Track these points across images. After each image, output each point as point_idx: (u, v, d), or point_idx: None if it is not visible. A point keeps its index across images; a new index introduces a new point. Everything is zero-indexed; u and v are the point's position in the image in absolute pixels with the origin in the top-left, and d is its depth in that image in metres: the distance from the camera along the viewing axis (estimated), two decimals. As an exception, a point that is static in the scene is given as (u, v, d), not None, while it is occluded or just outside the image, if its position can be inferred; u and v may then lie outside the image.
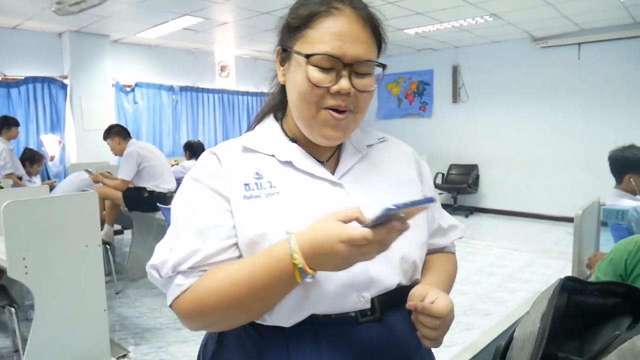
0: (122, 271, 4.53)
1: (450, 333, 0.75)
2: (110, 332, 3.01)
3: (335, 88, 0.79)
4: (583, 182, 6.48)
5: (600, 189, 2.69)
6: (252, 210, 0.79)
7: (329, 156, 0.89)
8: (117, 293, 4.07)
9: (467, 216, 7.48)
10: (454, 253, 1.02)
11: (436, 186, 7.46)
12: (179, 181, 4.85)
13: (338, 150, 0.91)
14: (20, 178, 4.91)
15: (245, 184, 0.82)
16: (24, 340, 2.60)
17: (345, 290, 0.77)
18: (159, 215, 3.85)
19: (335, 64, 0.78)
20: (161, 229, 4.15)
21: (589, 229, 2.19)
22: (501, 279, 4.33)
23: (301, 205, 0.80)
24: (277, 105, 0.97)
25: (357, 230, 0.65)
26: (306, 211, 0.78)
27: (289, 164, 0.85)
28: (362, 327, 0.78)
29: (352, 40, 0.78)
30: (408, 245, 0.83)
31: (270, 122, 0.93)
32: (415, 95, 8.34)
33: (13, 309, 2.64)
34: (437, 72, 8.02)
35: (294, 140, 0.89)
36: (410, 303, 0.76)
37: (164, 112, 7.26)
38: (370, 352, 0.77)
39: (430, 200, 0.63)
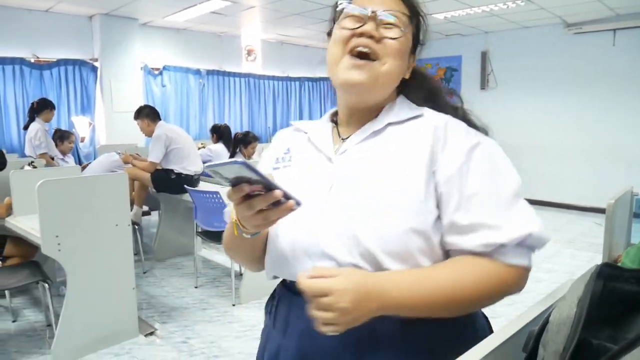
0: (149, 251, 4.64)
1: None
2: (138, 310, 3.10)
3: (359, 30, 0.82)
4: (613, 172, 6.31)
5: (631, 179, 2.61)
6: (276, 179, 0.87)
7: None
8: (144, 272, 4.17)
9: (492, 205, 7.37)
10: (491, 259, 0.76)
11: (461, 174, 7.36)
12: (205, 164, 4.91)
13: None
14: (52, 158, 5.04)
15: (277, 158, 0.96)
16: (57, 315, 2.70)
17: (299, 255, 0.83)
18: (186, 197, 3.91)
19: (361, 18, 0.83)
20: (188, 211, 4.22)
21: (620, 219, 2.13)
22: (526, 268, 4.27)
23: (297, 178, 0.89)
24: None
25: (228, 192, 0.73)
26: (298, 184, 0.85)
27: (309, 139, 0.94)
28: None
29: (374, 1, 0.84)
30: (364, 229, 0.77)
31: (331, 110, 1.01)
32: (443, 81, 8.21)
33: (47, 285, 2.74)
34: (466, 58, 7.87)
35: (334, 121, 0.96)
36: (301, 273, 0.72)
37: (191, 96, 7.33)
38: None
39: (237, 162, 0.64)
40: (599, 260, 2.08)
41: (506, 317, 3.22)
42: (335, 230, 0.80)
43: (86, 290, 2.73)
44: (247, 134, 5.24)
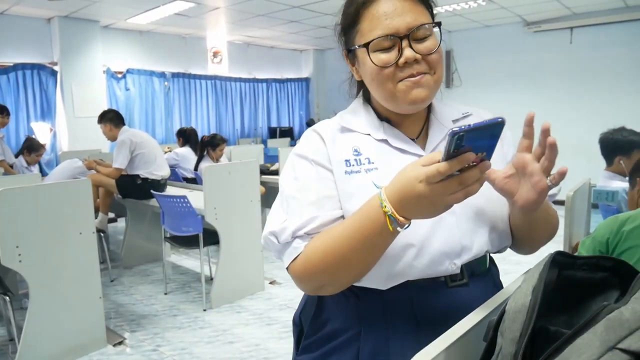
0: (116, 259, 4.53)
1: None
2: (106, 320, 3.03)
3: (401, 61, 0.82)
4: (574, 166, 6.41)
5: (590, 172, 2.71)
6: (355, 183, 0.86)
7: (418, 133, 0.94)
8: (111, 281, 4.07)
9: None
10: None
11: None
12: (172, 168, 4.84)
13: (426, 127, 0.95)
14: (11, 166, 4.87)
15: (346, 160, 0.89)
16: (19, 329, 2.61)
17: (441, 258, 0.84)
18: (153, 202, 3.84)
19: (394, 41, 0.83)
20: (155, 216, 4.15)
21: (579, 210, 2.21)
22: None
23: None
24: (363, 92, 1.02)
25: (431, 166, 0.65)
26: None
27: (384, 141, 0.91)
28: (451, 290, 0.86)
29: (398, 14, 0.83)
30: (495, 220, 0.89)
31: (359, 105, 0.99)
32: (409, 80, 8.32)
33: (7, 298, 2.64)
34: (430, 57, 7.99)
35: (385, 119, 0.94)
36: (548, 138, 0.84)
37: (156, 99, 7.21)
38: (457, 313, 0.80)
39: (498, 119, 0.60)
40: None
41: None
42: (469, 226, 0.86)
43: (50, 302, 2.64)
44: (214, 136, 5.18)
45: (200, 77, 7.75)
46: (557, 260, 0.63)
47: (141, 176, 4.10)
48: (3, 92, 5.72)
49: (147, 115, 7.14)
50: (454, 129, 0.58)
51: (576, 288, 0.68)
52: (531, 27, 6.78)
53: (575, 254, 1.73)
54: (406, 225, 0.71)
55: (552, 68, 6.74)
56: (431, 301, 0.85)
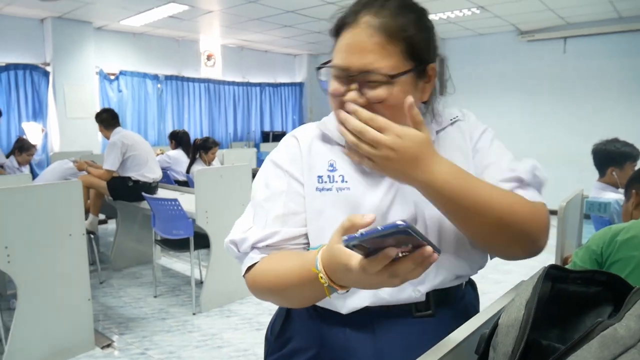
0: (106, 261, 4.49)
1: None
2: (95, 322, 2.99)
3: (345, 99, 0.79)
4: (566, 176, 6.55)
5: (583, 183, 2.73)
6: (324, 202, 0.85)
7: None
8: (101, 283, 4.03)
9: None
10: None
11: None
12: (164, 170, 4.81)
13: None
14: (1, 166, 4.82)
15: (319, 176, 0.86)
16: (7, 330, 2.57)
17: (402, 284, 0.77)
18: (144, 204, 3.81)
19: (345, 76, 0.80)
20: (146, 219, 4.11)
21: (572, 221, 2.21)
22: (484, 271, 4.35)
23: (367, 203, 0.83)
24: None
25: (355, 262, 0.60)
26: (371, 208, 0.82)
27: None
28: (416, 320, 0.83)
29: (357, 52, 0.78)
30: (457, 247, 0.84)
31: None
32: (402, 87, 8.34)
33: (-5, 299, 2.61)
34: (424, 64, 8.03)
35: None
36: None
37: (149, 101, 7.18)
38: (421, 347, 0.76)
39: (398, 227, 0.52)
40: (553, 261, 2.15)
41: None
42: (444, 251, 0.82)
43: (38, 303, 2.61)
44: (207, 139, 5.16)
45: (193, 80, 7.72)
46: (551, 274, 0.63)
47: (132, 178, 4.07)
48: (-6, 92, 5.67)
49: (139, 118, 7.10)
50: (344, 239, 0.56)
51: (569, 302, 0.68)
52: (525, 36, 6.84)
53: (568, 265, 1.73)
54: (345, 291, 0.68)
55: (545, 77, 6.80)
56: (394, 330, 0.82)
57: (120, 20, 6.15)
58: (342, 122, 0.74)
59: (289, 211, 0.85)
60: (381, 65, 0.77)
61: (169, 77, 7.38)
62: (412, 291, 0.81)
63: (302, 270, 0.72)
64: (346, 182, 0.85)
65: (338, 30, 0.83)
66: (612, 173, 2.55)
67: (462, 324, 0.81)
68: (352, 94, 0.79)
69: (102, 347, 2.89)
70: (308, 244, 0.86)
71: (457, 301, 0.87)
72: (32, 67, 5.91)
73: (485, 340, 0.62)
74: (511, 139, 7.18)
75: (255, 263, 0.83)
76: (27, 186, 2.68)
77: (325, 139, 0.90)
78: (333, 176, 0.86)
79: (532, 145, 7.02)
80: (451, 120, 0.94)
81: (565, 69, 6.61)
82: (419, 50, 0.81)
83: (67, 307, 2.74)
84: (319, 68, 0.84)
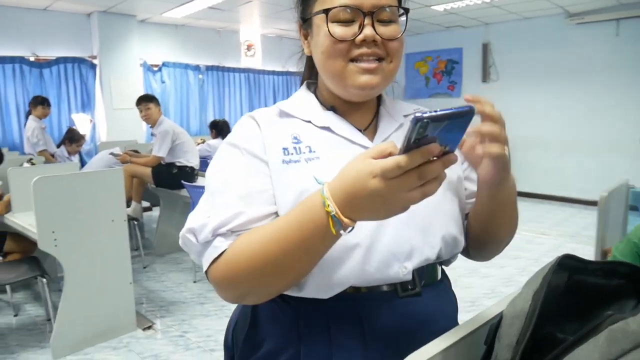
0: (150, 246, 4.66)
1: (469, 315, 0.74)
2: (137, 305, 3.12)
3: (360, 37, 0.76)
4: (617, 165, 6.26)
5: (630, 172, 2.59)
6: (292, 174, 0.77)
7: (367, 124, 0.87)
8: (144, 267, 4.18)
9: (494, 198, 7.35)
10: None
11: (463, 167, 7.34)
12: (204, 159, 4.92)
13: (375, 118, 0.89)
14: (52, 155, 5.06)
15: (284, 148, 0.79)
16: (56, 310, 2.72)
17: (388, 258, 0.75)
18: (184, 192, 3.92)
19: (356, 15, 0.76)
20: (187, 207, 4.24)
21: (615, 212, 2.12)
22: (525, 262, 4.27)
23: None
24: (308, 78, 0.95)
25: (388, 159, 0.55)
26: None
27: (326, 129, 0.83)
28: (402, 301, 0.77)
29: None
30: (448, 221, 0.81)
31: (303, 92, 0.91)
32: (444, 74, 8.17)
33: (44, 280, 2.76)
34: (467, 50, 7.82)
35: (331, 108, 0.86)
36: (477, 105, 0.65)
37: (190, 92, 7.33)
38: (410, 327, 0.76)
39: (469, 108, 0.51)
40: (592, 253, 2.06)
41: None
42: (421, 224, 0.78)
43: (83, 285, 2.74)
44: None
45: (233, 70, 7.82)
46: (566, 264, 0.60)
47: (177, 164, 4.24)
48: (46, 85, 5.93)
49: (181, 108, 7.27)
50: (417, 115, 0.49)
51: (588, 294, 0.65)
52: (574, 18, 6.51)
53: (609, 257, 1.65)
54: (350, 229, 0.61)
55: (596, 62, 6.45)
56: (381, 314, 0.76)
57: (163, 13, 6.28)
58: (476, 101, 0.64)
59: (252, 189, 0.76)
60: (391, 1, 0.78)
61: (210, 68, 7.50)
62: (398, 268, 0.75)
63: (300, 215, 0.64)
64: (314, 152, 0.79)
65: None
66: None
67: (446, 304, 0.81)
68: (368, 30, 0.76)
69: (144, 329, 3.01)
70: None
71: (440, 281, 0.84)
72: (80, 60, 6.15)
73: (492, 331, 0.60)
74: (560, 128, 6.91)
75: (223, 252, 0.72)
76: (72, 174, 2.81)
77: (285, 115, 0.85)
78: (299, 147, 0.80)
79: (580, 134, 6.72)
80: (414, 110, 0.91)
81: (618, 52, 6.25)
82: (401, 3, 0.84)
83: (111, 290, 2.87)
84: (326, 11, 0.77)
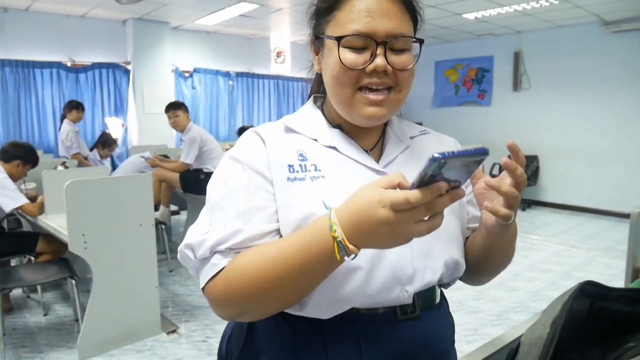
0: (176, 250, 4.71)
1: (494, 329, 0.73)
2: (162, 308, 3.16)
3: (370, 67, 0.75)
4: (653, 178, 6.05)
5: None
6: (298, 192, 0.76)
7: (372, 145, 0.86)
8: (170, 271, 4.25)
9: (524, 209, 7.20)
10: None
11: (492, 177, 7.21)
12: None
13: (382, 139, 0.88)
14: (85, 158, 5.21)
15: (289, 165, 0.78)
16: (84, 310, 2.79)
17: (391, 282, 0.75)
18: (211, 198, 3.98)
19: (368, 43, 0.75)
20: (213, 211, 4.29)
21: (649, 228, 2.04)
22: (555, 276, 4.15)
23: (348, 191, 0.72)
24: (317, 92, 0.95)
25: (398, 193, 0.57)
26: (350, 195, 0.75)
27: (333, 149, 0.82)
28: (401, 324, 0.77)
29: (382, 16, 0.74)
30: (451, 245, 0.81)
31: (309, 107, 0.90)
32: (474, 82, 8.06)
33: (74, 281, 2.83)
34: (498, 58, 7.70)
35: (337, 126, 0.85)
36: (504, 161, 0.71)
37: (220, 97, 7.45)
38: (408, 350, 0.76)
39: (483, 151, 0.54)
40: (624, 270, 1.99)
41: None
42: (423, 247, 0.78)
43: (110, 288, 2.80)
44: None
45: (263, 76, 7.91)
46: (588, 290, 0.59)
47: (204, 170, 4.30)
48: (82, 89, 6.13)
49: (211, 113, 7.39)
50: (435, 155, 0.52)
51: (612, 321, 0.63)
52: (610, 27, 6.34)
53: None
54: (353, 256, 0.62)
55: (631, 71, 6.26)
56: (379, 336, 0.76)
57: (195, 20, 6.42)
58: (515, 152, 0.70)
59: (252, 206, 0.75)
60: (406, 30, 0.77)
61: (239, 74, 7.61)
62: (399, 291, 0.75)
63: (306, 238, 0.65)
64: (320, 170, 0.78)
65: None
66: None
67: (444, 328, 0.80)
68: (380, 60, 0.74)
69: (168, 333, 3.06)
70: None
71: (439, 305, 0.83)
72: (114, 66, 6.33)
73: (511, 357, 0.59)
74: (593, 138, 6.73)
75: (221, 270, 0.72)
76: (102, 178, 2.88)
77: (290, 131, 0.84)
78: (305, 165, 0.79)
79: (613, 145, 6.53)
80: (421, 131, 0.94)
81: (657, 62, 6.06)
82: (417, 25, 0.83)
83: (137, 293, 2.92)
84: (339, 38, 0.75)
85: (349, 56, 0.75)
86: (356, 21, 0.75)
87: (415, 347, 0.77)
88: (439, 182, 0.56)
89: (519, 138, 7.45)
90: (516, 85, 7.46)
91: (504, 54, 7.58)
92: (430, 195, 0.56)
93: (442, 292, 0.86)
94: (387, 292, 0.75)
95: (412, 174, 0.77)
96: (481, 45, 7.86)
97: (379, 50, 0.75)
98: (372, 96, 0.77)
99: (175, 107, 4.43)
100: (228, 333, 0.94)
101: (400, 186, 0.60)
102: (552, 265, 4.45)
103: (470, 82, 8.11)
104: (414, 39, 0.79)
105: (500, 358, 0.65)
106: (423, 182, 0.56)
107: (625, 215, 6.19)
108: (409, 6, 0.79)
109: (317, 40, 0.84)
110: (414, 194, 0.55)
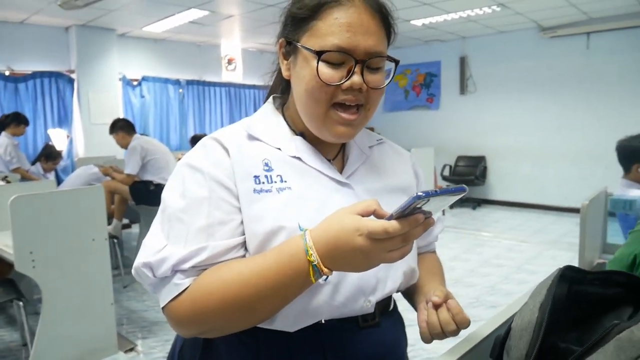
0: (130, 265, 4.54)
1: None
2: (118, 326, 3.04)
3: (347, 84, 0.73)
4: (592, 173, 6.42)
5: (608, 180, 2.66)
6: (265, 205, 0.74)
7: (335, 154, 0.86)
8: (124, 287, 4.09)
9: (474, 208, 7.44)
10: (434, 252, 1.03)
11: (443, 178, 7.43)
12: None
13: (342, 149, 0.88)
14: (27, 171, 4.94)
15: (255, 177, 0.75)
16: (33, 334, 2.62)
17: (356, 293, 0.76)
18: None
19: (346, 59, 0.73)
20: (168, 223, 4.17)
21: (596, 219, 2.15)
22: (508, 270, 4.31)
23: (314, 202, 0.76)
24: (275, 92, 0.93)
25: (376, 222, 0.58)
26: (320, 208, 0.75)
27: (297, 159, 0.81)
28: (363, 332, 0.79)
29: (362, 32, 0.73)
30: (409, 256, 0.79)
31: (269, 111, 0.88)
32: (423, 87, 8.28)
33: (21, 303, 2.66)
34: (445, 63, 7.96)
35: (300, 133, 0.84)
36: (435, 300, 0.79)
37: (170, 106, 7.28)
38: (371, 356, 0.79)
39: (462, 189, 0.57)
40: (576, 261, 2.09)
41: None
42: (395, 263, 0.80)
43: (62, 307, 2.66)
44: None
45: (214, 84, 7.80)
46: (567, 275, 0.61)
47: (154, 182, 4.15)
48: (22, 100, 5.82)
49: (161, 122, 7.21)
50: (419, 193, 0.54)
51: (587, 303, 0.66)
52: (547, 32, 6.70)
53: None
54: (326, 278, 0.63)
55: (569, 74, 6.65)
56: (343, 345, 0.77)
57: (143, 27, 6.25)
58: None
59: (214, 221, 0.71)
60: (383, 48, 0.76)
61: (190, 82, 7.47)
62: (363, 302, 0.77)
63: (279, 259, 0.65)
64: (285, 181, 0.77)
65: (318, 8, 0.75)
66: (638, 170, 2.47)
67: (401, 333, 0.85)
68: (357, 78, 0.73)
69: (125, 351, 2.93)
70: (244, 256, 0.73)
71: (393, 310, 0.88)
72: (57, 75, 6.06)
73: (499, 344, 0.60)
74: (537, 137, 7.06)
75: (184, 290, 0.69)
76: (50, 192, 2.74)
77: (253, 139, 0.81)
78: (270, 176, 0.76)
79: (556, 143, 6.88)
80: (377, 140, 0.96)
81: (589, 65, 6.46)
82: (390, 40, 0.81)
83: (91, 311, 2.79)
84: (320, 53, 0.73)
85: (326, 71, 0.74)
86: (337, 35, 0.73)
87: (376, 353, 0.80)
88: (416, 215, 0.58)
89: (467, 139, 7.73)
90: (463, 89, 7.73)
91: (451, 59, 7.84)
92: (408, 227, 0.58)
93: (393, 298, 0.89)
94: (352, 303, 0.76)
95: (372, 185, 0.85)
96: (429, 51, 8.10)
97: (357, 68, 0.73)
98: (346, 115, 0.76)
99: (111, 129, 4.39)
100: (179, 344, 0.88)
101: (375, 213, 0.62)
102: (504, 260, 4.62)
103: (419, 86, 8.33)
104: (391, 59, 0.78)
105: (479, 354, 0.66)
106: (402, 215, 0.58)
107: (568, 210, 6.54)
108: (386, 22, 0.78)
109: (289, 46, 0.81)
110: (393, 226, 0.57)
